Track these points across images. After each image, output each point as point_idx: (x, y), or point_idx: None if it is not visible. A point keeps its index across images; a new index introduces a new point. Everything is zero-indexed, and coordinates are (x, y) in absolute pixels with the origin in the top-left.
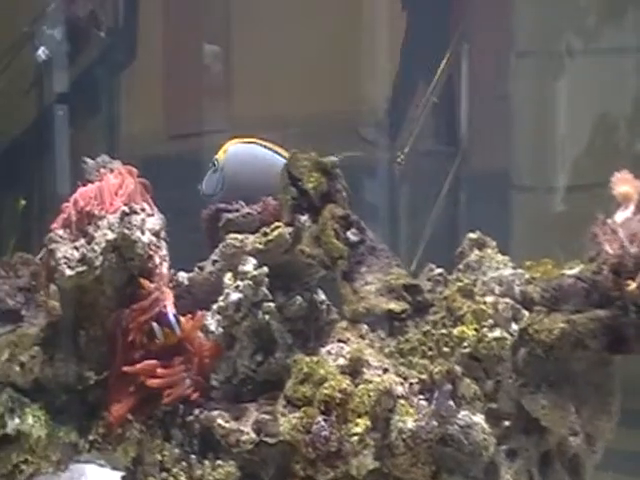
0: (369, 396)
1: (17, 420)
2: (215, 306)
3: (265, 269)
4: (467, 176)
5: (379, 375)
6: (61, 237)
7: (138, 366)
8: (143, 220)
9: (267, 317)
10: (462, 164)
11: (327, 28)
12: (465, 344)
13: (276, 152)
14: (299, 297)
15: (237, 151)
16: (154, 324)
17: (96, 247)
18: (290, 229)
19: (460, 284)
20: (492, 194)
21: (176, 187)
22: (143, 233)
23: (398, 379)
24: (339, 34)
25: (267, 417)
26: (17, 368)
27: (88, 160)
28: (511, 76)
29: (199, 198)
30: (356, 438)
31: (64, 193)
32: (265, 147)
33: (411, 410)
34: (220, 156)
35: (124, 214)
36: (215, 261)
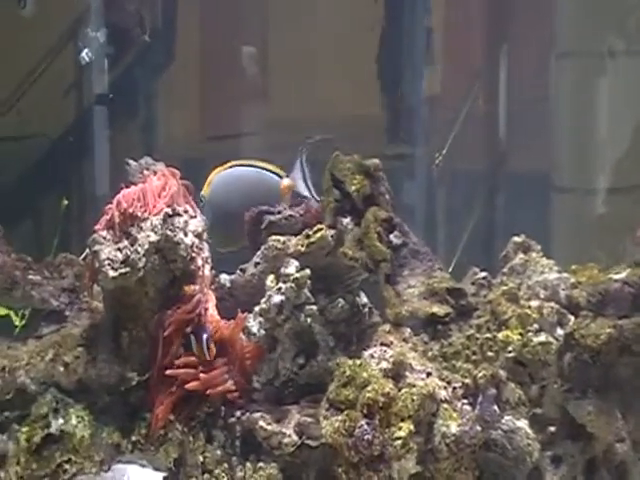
0: (412, 400)
1: (61, 420)
2: (257, 308)
3: (307, 271)
4: (507, 177)
5: (422, 379)
6: (105, 239)
7: (179, 371)
8: (186, 222)
9: (309, 320)
10: (502, 165)
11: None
12: (510, 348)
13: (263, 168)
14: (341, 300)
15: (219, 182)
16: (192, 336)
17: (139, 249)
18: (332, 231)
19: (505, 288)
20: (532, 196)
21: None
22: (186, 235)
23: (441, 383)
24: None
25: (309, 420)
26: (61, 368)
27: (131, 162)
28: (551, 77)
29: None
30: (399, 442)
31: (103, 194)
32: (250, 166)
33: (455, 414)
34: (205, 191)
35: (167, 216)
36: (257, 263)
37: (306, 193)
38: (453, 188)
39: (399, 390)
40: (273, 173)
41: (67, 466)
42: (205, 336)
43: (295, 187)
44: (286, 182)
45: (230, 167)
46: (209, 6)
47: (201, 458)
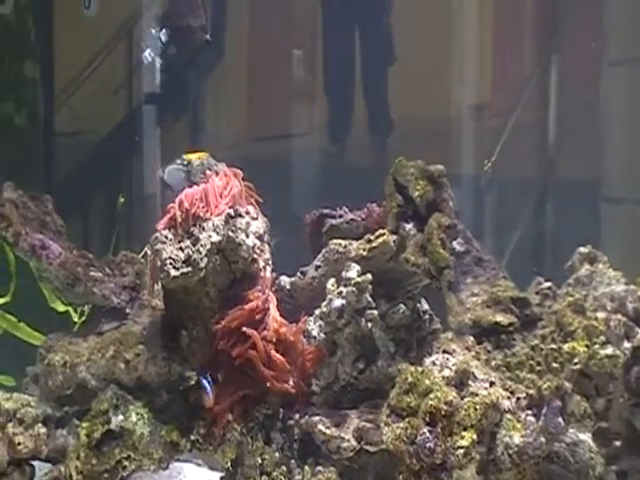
0: (475, 409)
1: (121, 417)
2: (317, 311)
3: (369, 276)
4: (556, 186)
5: (485, 388)
6: (167, 238)
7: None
8: (248, 223)
9: (370, 324)
10: (551, 173)
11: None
12: (576, 360)
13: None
14: (402, 305)
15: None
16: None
17: (201, 249)
18: (395, 237)
19: (571, 299)
20: (581, 205)
21: (258, 189)
22: (248, 236)
23: (505, 393)
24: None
25: (368, 425)
26: (122, 365)
27: (194, 162)
28: (603, 85)
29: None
30: (462, 451)
31: (151, 192)
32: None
33: (518, 425)
34: (191, 158)
35: (229, 217)
36: (318, 266)
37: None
38: (501, 195)
39: (462, 399)
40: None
41: (126, 463)
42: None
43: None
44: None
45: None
46: (258, 7)
47: (259, 460)
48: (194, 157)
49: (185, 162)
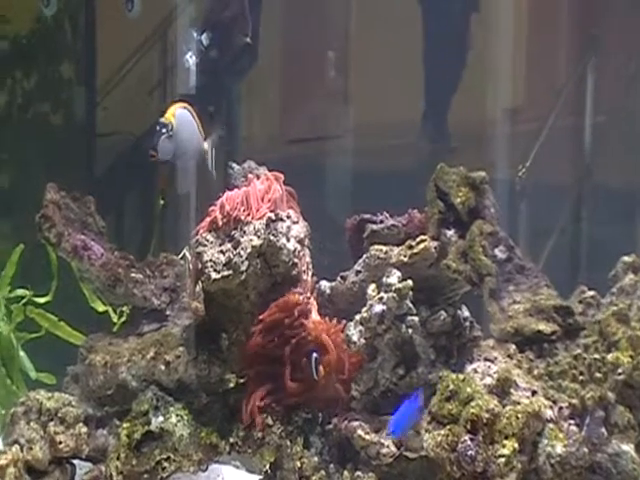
0: (517, 418)
1: (161, 418)
2: (358, 317)
3: (410, 282)
4: (592, 191)
5: (528, 397)
6: (208, 241)
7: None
8: (289, 227)
9: (410, 331)
10: (587, 179)
11: None
12: (620, 371)
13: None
14: (443, 312)
15: (184, 115)
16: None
17: (242, 252)
18: (436, 243)
19: (615, 308)
20: (619, 211)
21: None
22: (288, 240)
23: (547, 402)
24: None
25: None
26: (162, 367)
27: (234, 165)
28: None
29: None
30: (503, 460)
31: (185, 194)
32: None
33: (560, 435)
34: (170, 119)
35: (270, 220)
36: (358, 271)
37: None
38: (536, 201)
39: (504, 407)
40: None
41: (166, 464)
42: (315, 356)
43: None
44: (206, 145)
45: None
46: (291, 10)
47: (298, 463)
48: (172, 114)
49: (169, 126)
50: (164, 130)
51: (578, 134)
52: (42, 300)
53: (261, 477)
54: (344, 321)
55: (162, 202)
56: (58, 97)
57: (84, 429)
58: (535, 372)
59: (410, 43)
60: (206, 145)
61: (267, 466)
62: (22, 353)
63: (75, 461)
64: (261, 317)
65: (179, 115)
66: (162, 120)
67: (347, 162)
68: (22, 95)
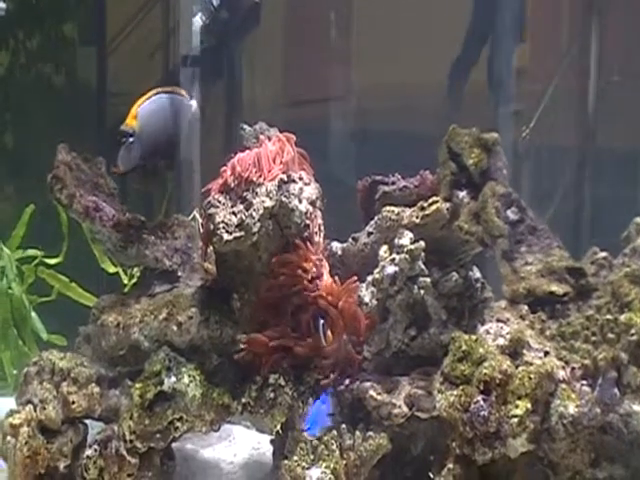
0: (530, 378)
1: (173, 378)
2: (370, 278)
3: (422, 243)
4: (595, 153)
5: (540, 358)
6: (220, 202)
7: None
8: (301, 189)
9: (422, 292)
10: (589, 142)
11: None
12: (632, 331)
13: (178, 94)
14: (455, 273)
15: (147, 112)
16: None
17: (254, 213)
18: (448, 204)
19: (627, 269)
20: (619, 174)
21: None
22: (300, 202)
23: (559, 363)
24: None
25: (420, 392)
26: (174, 327)
27: (246, 127)
28: None
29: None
30: (516, 420)
31: (188, 157)
32: (167, 92)
33: (573, 395)
34: (131, 123)
35: (282, 182)
36: (370, 233)
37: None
38: (539, 162)
39: (516, 368)
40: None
41: (178, 424)
42: (322, 322)
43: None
44: (194, 104)
45: (154, 94)
46: None
47: None
48: (133, 115)
49: (128, 133)
50: (124, 140)
51: (582, 95)
52: (53, 261)
53: (272, 437)
54: (356, 280)
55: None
56: (61, 56)
57: (97, 389)
58: (547, 333)
59: (415, 2)
60: (194, 103)
61: (278, 426)
62: (34, 314)
63: (87, 421)
64: (273, 276)
65: (143, 114)
66: (122, 127)
67: (351, 124)
68: (26, 55)
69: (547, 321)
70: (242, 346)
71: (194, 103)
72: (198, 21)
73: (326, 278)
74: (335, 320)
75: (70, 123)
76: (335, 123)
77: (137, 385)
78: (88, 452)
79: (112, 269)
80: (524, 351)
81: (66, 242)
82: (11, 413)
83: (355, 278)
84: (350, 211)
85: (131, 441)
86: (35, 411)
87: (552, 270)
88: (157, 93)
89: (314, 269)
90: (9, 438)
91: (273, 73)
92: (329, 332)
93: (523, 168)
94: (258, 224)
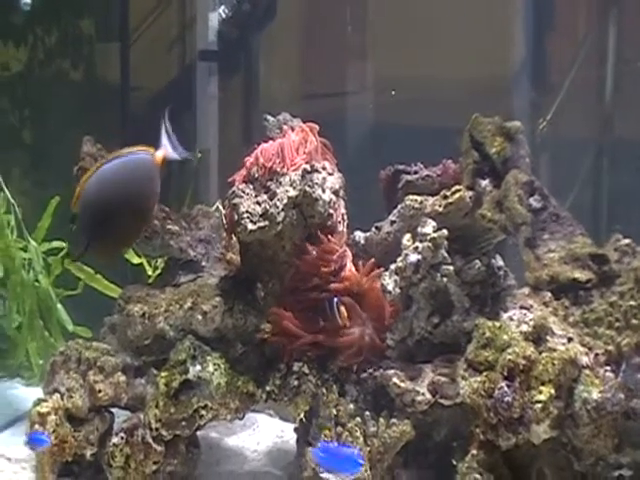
0: (553, 364)
1: (198, 367)
2: (393, 266)
3: (445, 231)
4: (613, 144)
5: (563, 344)
6: (244, 192)
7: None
8: (324, 178)
9: (445, 280)
10: (607, 133)
11: None
12: None
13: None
14: (477, 261)
15: (91, 190)
16: (326, 303)
17: (278, 203)
18: (471, 193)
19: None
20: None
21: None
22: (324, 191)
23: (583, 349)
24: None
25: (443, 379)
26: (199, 317)
27: (269, 117)
28: None
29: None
30: (539, 406)
31: (206, 148)
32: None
33: (596, 381)
34: (74, 205)
35: (306, 172)
36: (393, 222)
37: (176, 156)
38: (557, 154)
39: (540, 354)
40: (141, 152)
41: (203, 412)
42: (335, 301)
43: (168, 154)
44: (159, 154)
45: (97, 169)
46: None
47: (334, 411)
48: (77, 196)
49: (73, 218)
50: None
51: (600, 86)
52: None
53: (296, 425)
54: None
55: (200, 155)
56: (80, 52)
57: (122, 378)
58: (571, 319)
59: None
60: (159, 153)
61: (302, 414)
62: (60, 306)
63: (114, 409)
64: (297, 265)
65: (85, 193)
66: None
67: (367, 117)
68: (45, 51)
69: (570, 307)
70: (267, 332)
71: (158, 153)
72: (216, 15)
73: (349, 267)
74: (356, 308)
75: (89, 118)
76: (352, 116)
77: (162, 374)
78: (114, 440)
79: (137, 260)
80: (547, 337)
81: None
82: (39, 402)
83: (377, 264)
84: (371, 201)
85: (157, 429)
86: (62, 400)
87: (575, 257)
88: (110, 160)
89: (337, 258)
90: (37, 426)
91: (290, 66)
92: (343, 309)
93: (540, 159)
94: (282, 214)
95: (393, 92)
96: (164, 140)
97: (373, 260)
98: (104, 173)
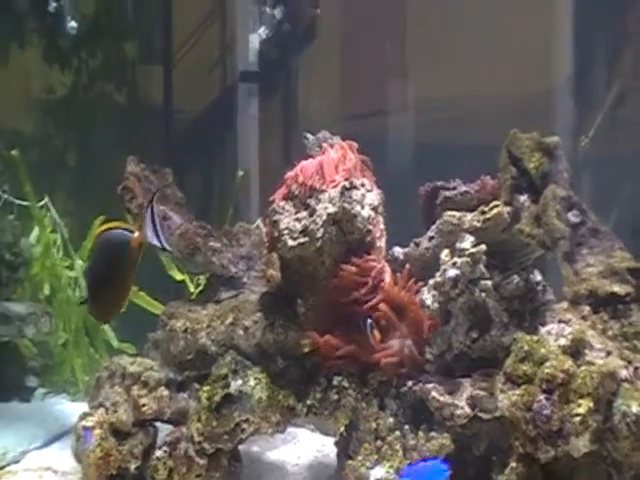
0: (592, 378)
1: (240, 381)
2: (431, 281)
3: (483, 247)
4: None
5: (602, 357)
6: (284, 209)
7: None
8: (363, 195)
9: (483, 295)
10: None
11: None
12: None
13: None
14: (516, 276)
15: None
16: (360, 322)
17: (317, 220)
18: (509, 208)
19: None
20: None
21: None
22: (363, 208)
23: (622, 362)
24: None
25: (482, 393)
26: (241, 332)
27: (309, 135)
28: None
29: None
30: (578, 419)
31: (246, 167)
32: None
33: (636, 394)
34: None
35: (344, 189)
36: (431, 237)
37: (155, 242)
38: (598, 172)
39: (578, 367)
40: (124, 229)
41: (245, 425)
42: (369, 322)
43: (146, 238)
44: (135, 235)
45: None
46: None
47: (374, 425)
48: None
49: None
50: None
51: None
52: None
53: (336, 439)
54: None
55: (241, 173)
56: (123, 75)
57: (166, 392)
58: (609, 333)
59: (472, 13)
60: (136, 234)
61: (342, 428)
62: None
63: (157, 423)
64: (336, 280)
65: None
66: None
67: (406, 137)
68: (88, 74)
69: (609, 321)
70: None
71: (135, 234)
72: (256, 36)
73: (387, 282)
74: (395, 321)
75: (132, 140)
76: (391, 135)
77: (205, 388)
78: (158, 453)
79: (179, 276)
80: (586, 351)
81: None
82: (84, 416)
83: (413, 276)
84: (411, 218)
85: (199, 442)
86: (107, 414)
87: (614, 271)
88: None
89: (375, 274)
90: (82, 440)
91: (329, 86)
92: (376, 332)
93: (582, 176)
94: (322, 230)
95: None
96: (147, 224)
97: (408, 270)
98: (95, 251)
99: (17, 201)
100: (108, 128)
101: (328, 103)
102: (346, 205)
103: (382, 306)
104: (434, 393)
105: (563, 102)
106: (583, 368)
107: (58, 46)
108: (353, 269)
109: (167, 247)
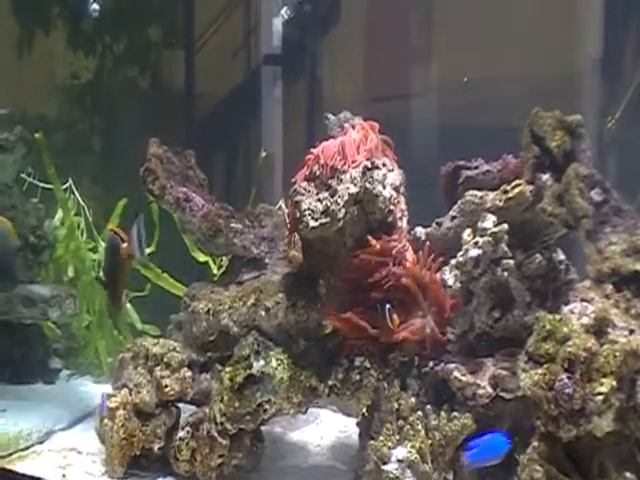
0: (615, 356)
1: (262, 362)
2: (453, 261)
3: (505, 226)
4: None
5: (625, 336)
6: (305, 190)
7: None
8: (384, 175)
9: (506, 274)
10: None
11: None
12: None
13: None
14: (538, 255)
15: None
16: (378, 306)
17: (339, 200)
18: (531, 187)
19: None
20: None
21: None
22: (384, 187)
23: None
24: None
25: (504, 373)
26: (262, 313)
27: (330, 116)
28: None
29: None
30: (601, 398)
31: (270, 150)
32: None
33: None
34: None
35: (366, 169)
36: (453, 217)
37: (137, 254)
38: (624, 154)
39: (601, 346)
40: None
41: (267, 406)
42: (388, 307)
43: (134, 251)
44: (124, 246)
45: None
46: None
47: (396, 405)
48: None
49: None
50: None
51: None
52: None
53: (358, 419)
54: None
55: (264, 154)
56: (147, 60)
57: (188, 373)
58: (633, 311)
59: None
60: (125, 246)
61: (364, 408)
62: (128, 305)
63: (180, 404)
64: (357, 260)
65: None
66: None
67: (430, 119)
68: (113, 59)
69: (632, 300)
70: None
71: (124, 245)
72: (279, 19)
73: (410, 261)
74: (418, 299)
75: (155, 124)
76: (415, 118)
77: (227, 369)
78: (181, 434)
79: (202, 258)
80: (609, 329)
81: (157, 233)
82: (108, 397)
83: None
84: (435, 199)
85: (222, 423)
86: (130, 395)
87: (637, 249)
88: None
89: (396, 253)
90: (106, 421)
91: (353, 68)
92: (395, 316)
93: (609, 157)
94: (343, 210)
95: (465, 80)
96: (133, 238)
97: (428, 247)
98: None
99: (41, 184)
100: (132, 113)
101: (352, 85)
102: (368, 185)
103: (405, 280)
104: (456, 373)
105: (590, 83)
106: (606, 347)
107: (82, 31)
108: (375, 249)
109: (144, 261)
